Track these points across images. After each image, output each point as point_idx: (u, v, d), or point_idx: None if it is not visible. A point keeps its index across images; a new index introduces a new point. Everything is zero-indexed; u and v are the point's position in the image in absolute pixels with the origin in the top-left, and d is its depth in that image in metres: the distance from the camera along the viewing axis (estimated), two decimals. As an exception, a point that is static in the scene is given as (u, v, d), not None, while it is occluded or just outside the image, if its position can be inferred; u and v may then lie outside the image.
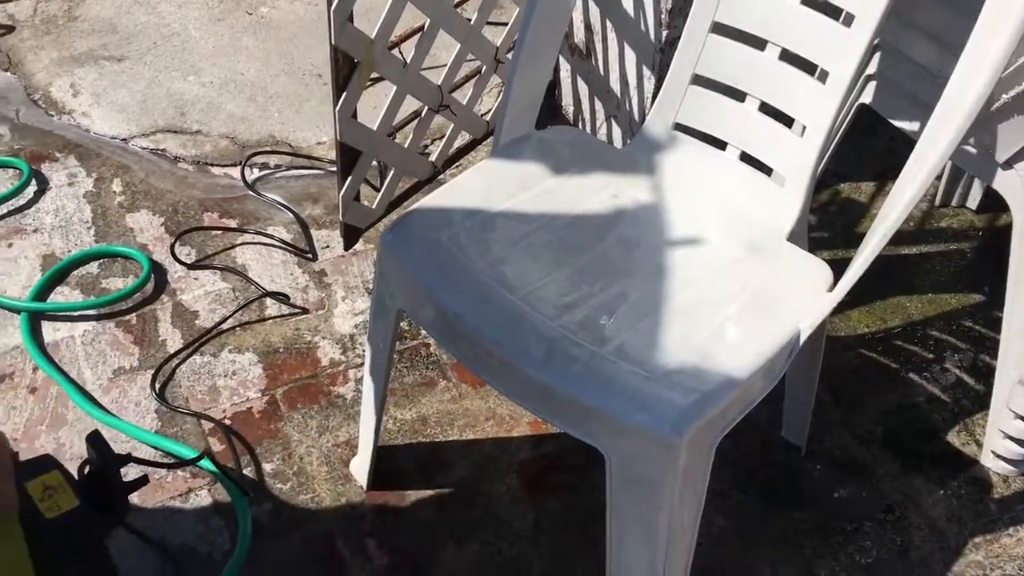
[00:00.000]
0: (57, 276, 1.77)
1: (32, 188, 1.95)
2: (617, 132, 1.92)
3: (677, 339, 1.10)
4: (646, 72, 1.77)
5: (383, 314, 1.26)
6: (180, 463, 1.48)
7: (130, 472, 1.25)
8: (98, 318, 1.73)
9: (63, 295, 1.76)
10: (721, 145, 1.33)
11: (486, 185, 1.28)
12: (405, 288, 1.19)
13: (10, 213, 1.90)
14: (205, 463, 1.47)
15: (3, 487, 0.93)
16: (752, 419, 1.60)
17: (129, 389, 1.62)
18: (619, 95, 1.88)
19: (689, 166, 1.33)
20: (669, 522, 1.06)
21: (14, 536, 0.92)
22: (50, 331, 1.70)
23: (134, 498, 1.46)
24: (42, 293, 1.75)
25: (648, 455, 1.02)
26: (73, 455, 1.52)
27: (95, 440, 1.05)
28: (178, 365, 1.66)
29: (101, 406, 1.58)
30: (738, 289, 1.18)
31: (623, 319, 1.12)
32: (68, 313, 1.72)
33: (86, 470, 1.10)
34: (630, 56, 1.80)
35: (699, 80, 1.32)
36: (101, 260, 1.82)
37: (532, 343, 1.08)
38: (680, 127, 1.35)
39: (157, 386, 1.62)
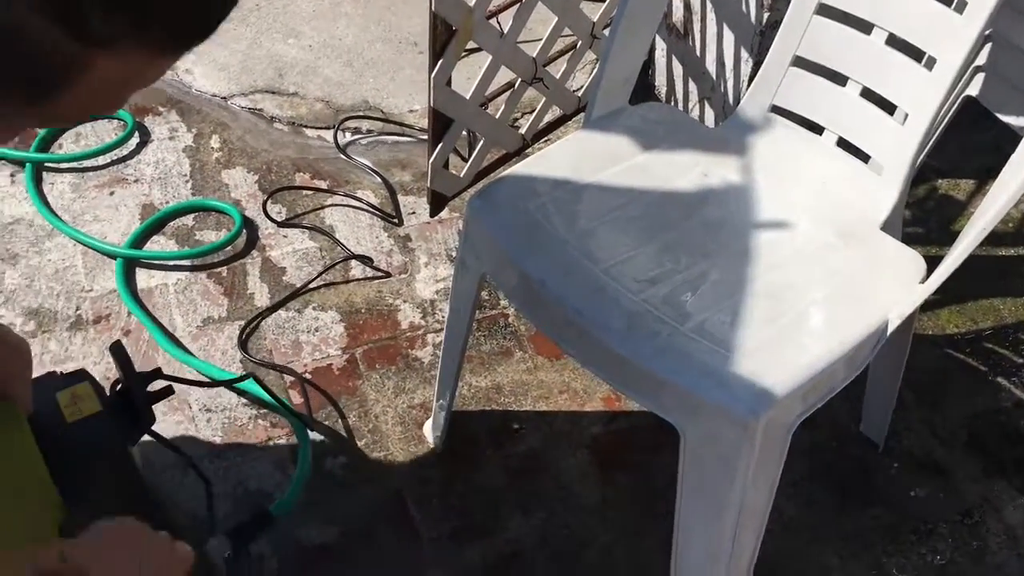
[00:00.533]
0: (155, 225, 1.84)
1: (135, 140, 2.01)
2: (710, 114, 1.90)
3: (760, 321, 1.09)
4: (744, 54, 1.74)
5: (466, 278, 1.27)
6: (220, 383, 1.52)
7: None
8: (191, 268, 1.78)
9: (159, 244, 1.82)
10: (818, 129, 1.30)
11: (576, 157, 1.28)
12: (490, 253, 1.20)
13: (113, 163, 1.97)
14: (250, 385, 1.53)
15: (17, 390, 0.99)
16: (830, 411, 1.58)
17: (216, 338, 1.67)
18: (714, 77, 1.85)
19: (783, 149, 1.31)
20: (740, 503, 1.06)
21: (22, 427, 0.96)
22: (145, 278, 1.76)
23: (214, 439, 1.52)
24: (139, 241, 1.81)
25: (724, 434, 1.02)
26: (161, 397, 1.58)
27: (116, 350, 1.07)
28: (264, 318, 1.71)
29: (189, 352, 1.64)
30: (826, 275, 1.16)
31: (706, 298, 1.11)
32: (163, 262, 1.78)
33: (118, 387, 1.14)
34: (728, 37, 1.78)
35: (800, 62, 1.30)
36: (196, 213, 1.88)
37: (613, 315, 1.08)
38: (777, 109, 1.33)
39: (243, 337, 1.67)
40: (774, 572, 1.38)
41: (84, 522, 0.83)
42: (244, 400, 1.58)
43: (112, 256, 1.77)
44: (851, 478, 1.52)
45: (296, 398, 1.59)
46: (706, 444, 1.04)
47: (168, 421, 1.54)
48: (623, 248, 1.16)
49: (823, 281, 1.15)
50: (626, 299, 1.10)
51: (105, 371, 1.60)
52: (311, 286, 1.76)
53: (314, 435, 1.54)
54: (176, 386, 1.56)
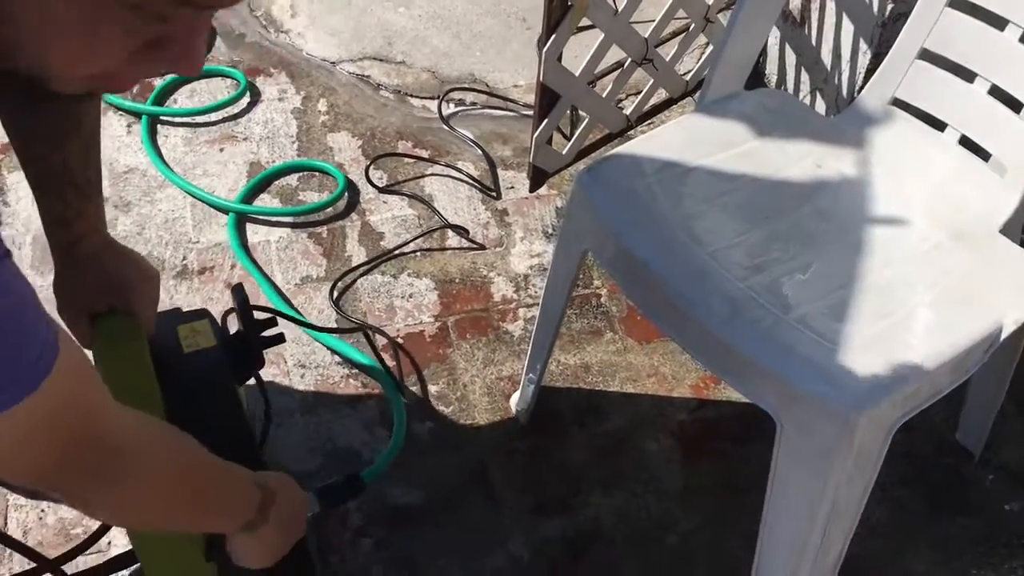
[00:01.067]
0: (262, 183, 1.88)
1: (246, 99, 2.06)
2: (820, 105, 1.86)
3: (866, 317, 1.07)
4: (862, 46, 1.70)
5: (568, 253, 1.27)
6: (333, 330, 1.58)
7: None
8: (292, 226, 1.82)
9: (263, 202, 1.87)
10: (939, 126, 1.26)
11: (687, 139, 1.27)
12: (594, 230, 1.20)
13: (224, 120, 2.02)
14: (345, 347, 1.56)
15: (143, 311, 1.07)
16: (927, 416, 1.54)
17: (314, 297, 1.71)
18: (828, 67, 1.81)
19: (901, 144, 1.28)
20: (833, 501, 1.04)
21: (142, 342, 1.03)
22: (249, 233, 1.81)
23: (306, 394, 1.55)
24: (247, 197, 1.86)
25: (823, 428, 1.00)
26: (258, 350, 1.62)
27: (237, 292, 1.11)
28: (360, 280, 1.74)
29: (292, 304, 1.68)
30: (938, 275, 1.13)
31: (812, 289, 1.10)
32: (268, 218, 1.83)
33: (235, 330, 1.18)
34: (847, 28, 1.73)
35: (926, 55, 1.26)
36: (301, 174, 1.92)
37: (716, 299, 1.07)
38: (898, 103, 1.29)
39: (334, 294, 1.71)
40: (858, 573, 1.35)
41: None
42: (337, 359, 1.61)
43: (223, 210, 1.82)
44: (943, 486, 1.49)
45: (388, 361, 1.62)
46: (804, 437, 1.02)
47: (264, 373, 1.58)
48: (729, 233, 1.15)
49: (935, 281, 1.12)
50: (730, 284, 1.09)
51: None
52: (406, 250, 1.79)
53: (403, 400, 1.56)
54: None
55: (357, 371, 1.60)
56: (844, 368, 1.01)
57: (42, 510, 1.39)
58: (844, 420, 0.98)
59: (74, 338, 0.69)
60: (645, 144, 1.26)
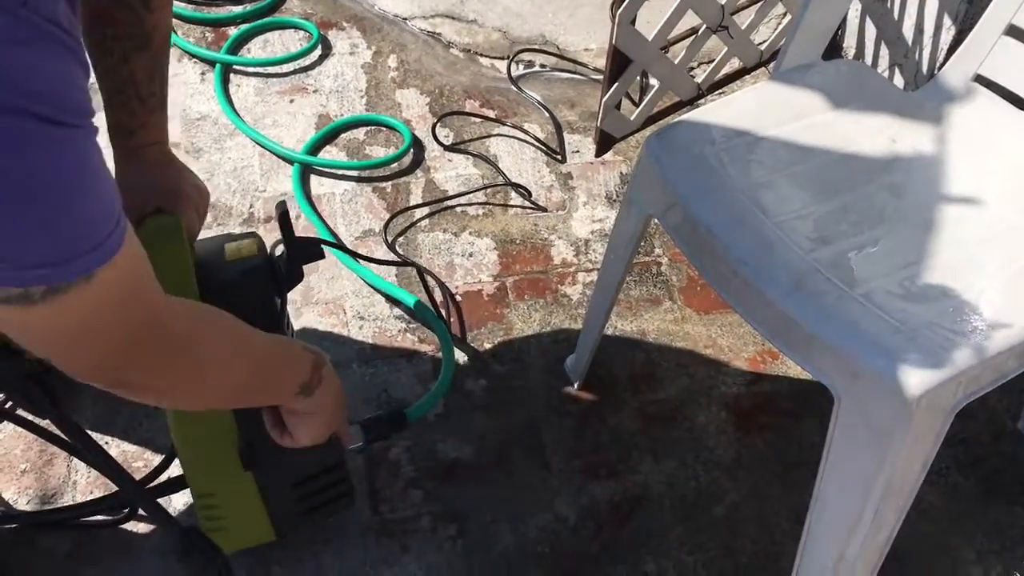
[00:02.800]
0: (330, 135, 1.90)
1: (317, 52, 2.07)
2: (899, 81, 1.81)
3: (932, 295, 1.05)
4: (946, 21, 1.65)
5: (632, 217, 1.27)
6: (384, 261, 1.62)
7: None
8: (358, 180, 1.84)
9: (330, 154, 1.88)
10: (1023, 104, 1.23)
11: (759, 107, 1.25)
12: (660, 194, 1.19)
13: (296, 72, 2.04)
14: (398, 292, 1.61)
15: (187, 212, 1.14)
16: (988, 403, 1.52)
17: (375, 250, 1.72)
18: (909, 42, 1.76)
19: (982, 122, 1.25)
20: (889, 480, 1.03)
21: (182, 240, 1.08)
22: (315, 185, 1.83)
23: (364, 345, 1.57)
24: (314, 149, 1.88)
25: (883, 405, 0.99)
26: (319, 299, 1.65)
27: (281, 209, 1.14)
28: (421, 236, 1.75)
29: (354, 254, 1.70)
30: (1009, 258, 1.10)
31: (879, 265, 1.08)
32: (333, 171, 1.85)
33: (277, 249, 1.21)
34: (932, 3, 1.69)
35: (1013, 32, 1.22)
36: (368, 128, 1.93)
37: (780, 270, 1.06)
38: (981, 80, 1.26)
39: (386, 233, 1.74)
40: (907, 556, 1.34)
41: None
42: (396, 312, 1.63)
43: (289, 161, 1.85)
44: (1001, 474, 1.46)
45: (445, 317, 1.63)
46: (862, 413, 1.01)
47: (323, 323, 1.61)
48: (797, 204, 1.13)
49: (1006, 264, 1.09)
50: (795, 256, 1.07)
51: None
52: (468, 210, 1.79)
53: (458, 355, 1.58)
54: (333, 291, 1.64)
55: (415, 325, 1.61)
56: (907, 346, 0.99)
57: (105, 442, 1.44)
58: (904, 399, 0.97)
59: None
60: (716, 111, 1.24)
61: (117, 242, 0.66)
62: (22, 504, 1.37)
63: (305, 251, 1.15)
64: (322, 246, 1.18)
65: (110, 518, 1.34)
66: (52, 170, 0.59)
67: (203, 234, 1.21)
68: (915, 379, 0.97)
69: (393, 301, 1.64)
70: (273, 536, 1.25)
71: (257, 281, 1.12)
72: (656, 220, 1.22)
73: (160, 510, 1.06)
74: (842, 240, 1.10)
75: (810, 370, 1.05)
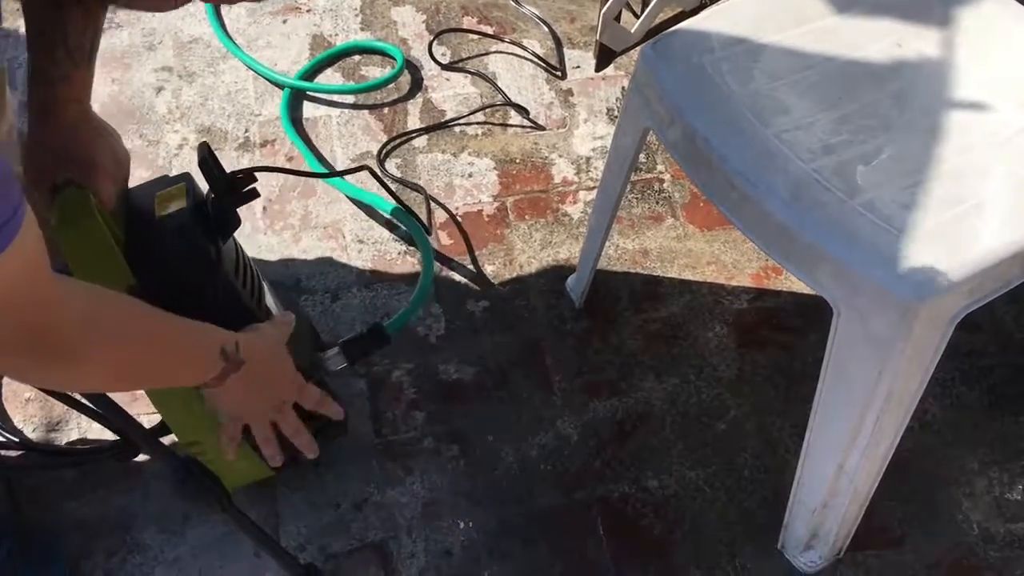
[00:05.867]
0: (322, 63, 1.85)
1: (310, -30, 2.02)
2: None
3: (936, 203, 1.02)
4: (957, -80, 1.58)
5: (629, 131, 1.24)
6: (333, 173, 1.57)
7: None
8: (354, 106, 1.81)
9: (326, 76, 1.85)
10: (1034, 5, 1.18)
11: (760, 13, 1.20)
12: (657, 106, 1.16)
13: (288, -9, 1.99)
14: (362, 193, 1.56)
15: (101, 185, 1.06)
16: (995, 314, 1.50)
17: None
18: (919, -55, 1.70)
19: (992, 25, 1.20)
20: (889, 390, 1.02)
21: (91, 214, 1.02)
22: (311, 108, 1.80)
23: (363, 269, 1.56)
24: (308, 74, 1.84)
25: (882, 315, 0.97)
26: (318, 223, 1.63)
27: (201, 148, 1.08)
28: (420, 157, 1.72)
29: (347, 182, 1.68)
30: (1017, 163, 1.07)
31: (880, 173, 1.05)
32: (328, 96, 1.81)
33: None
34: (942, -99, 1.62)
35: (1025, -73, 1.17)
36: (364, 52, 1.89)
37: (779, 181, 1.03)
38: (990, -21, 1.21)
39: (381, 156, 1.71)
40: (909, 466, 1.34)
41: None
42: (395, 235, 1.61)
43: (279, 86, 1.81)
44: (1007, 385, 1.45)
45: (445, 239, 1.62)
46: (861, 324, 1.00)
47: (322, 248, 1.60)
48: (798, 114, 1.10)
49: (1013, 170, 1.06)
50: (795, 166, 1.05)
51: (268, 191, 1.66)
52: (467, 130, 1.76)
53: (459, 277, 1.57)
54: (331, 215, 1.62)
55: (414, 248, 1.60)
56: (908, 255, 0.97)
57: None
58: (904, 308, 0.95)
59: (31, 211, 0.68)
60: (715, 18, 1.20)
61: (9, 235, 0.62)
62: (28, 432, 1.38)
63: (235, 195, 1.09)
64: (255, 187, 1.10)
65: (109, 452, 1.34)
66: None
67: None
68: (914, 288, 0.95)
69: (365, 208, 1.63)
70: (270, 472, 1.25)
71: (186, 236, 1.06)
72: (654, 134, 1.19)
73: (155, 442, 1.07)
74: (845, 149, 1.07)
75: (809, 282, 1.03)
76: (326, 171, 1.63)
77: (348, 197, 1.65)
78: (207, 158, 1.07)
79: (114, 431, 1.28)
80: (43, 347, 0.73)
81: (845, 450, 1.11)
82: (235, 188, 1.10)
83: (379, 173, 1.60)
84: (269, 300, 1.22)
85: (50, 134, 1.06)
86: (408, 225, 1.58)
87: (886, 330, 0.98)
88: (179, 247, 1.06)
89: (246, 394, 1.03)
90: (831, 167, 1.05)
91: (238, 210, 1.11)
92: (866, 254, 0.97)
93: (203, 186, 1.13)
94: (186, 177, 1.13)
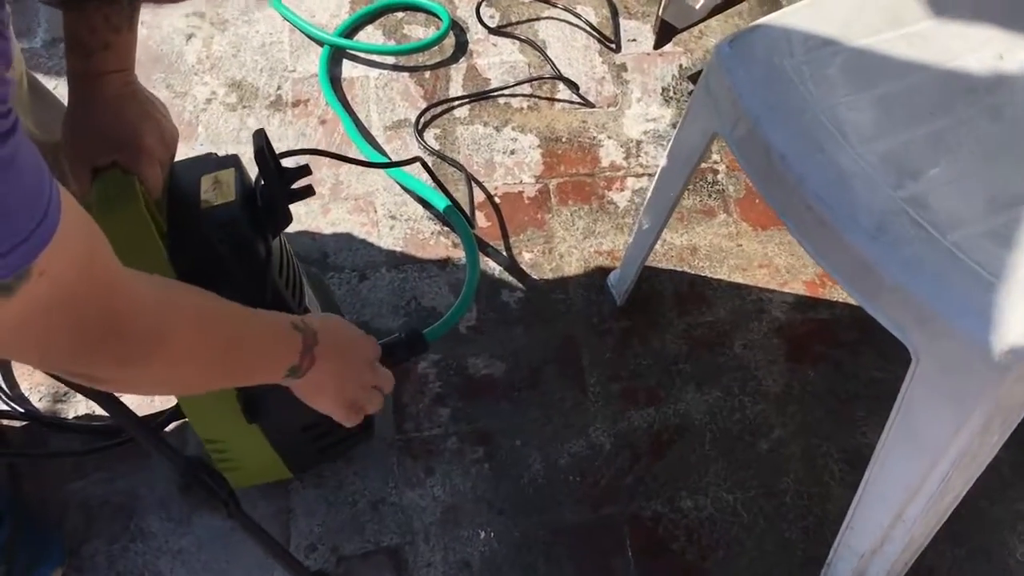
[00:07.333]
0: (365, 17, 1.75)
1: (355, -85, 1.90)
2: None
3: (1036, 245, 0.92)
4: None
5: (695, 131, 1.13)
6: (384, 164, 1.46)
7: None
8: (395, 67, 1.70)
9: (366, 34, 1.74)
10: None
11: (850, 12, 1.09)
12: (729, 111, 1.05)
13: (331, -63, 1.87)
14: (409, 180, 1.47)
15: (148, 171, 0.96)
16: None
17: (410, 142, 1.60)
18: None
19: (1107, 39, 1.08)
20: (965, 446, 0.93)
21: (137, 202, 0.92)
22: (348, 68, 1.70)
23: (394, 248, 1.47)
24: (349, 31, 1.73)
25: (969, 369, 0.87)
26: (349, 195, 1.54)
27: (257, 137, 0.98)
28: (460, 130, 1.62)
29: (383, 151, 1.58)
30: None
31: (976, 206, 0.94)
32: (368, 55, 1.71)
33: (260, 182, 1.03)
34: None
35: None
36: (408, 9, 1.77)
37: (862, 210, 0.93)
38: (1110, -12, 1.09)
39: (419, 126, 1.61)
40: (962, 504, 1.25)
41: None
42: (430, 213, 1.52)
43: (319, 42, 1.71)
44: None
45: (482, 221, 1.52)
46: (944, 376, 0.90)
47: (352, 221, 1.51)
48: (887, 130, 0.99)
49: (1125, 211, 0.95)
50: (881, 193, 0.94)
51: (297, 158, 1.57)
52: (512, 103, 1.65)
53: (493, 265, 1.48)
54: (363, 186, 1.53)
55: (448, 229, 1.51)
56: (1002, 304, 0.87)
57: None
58: (996, 366, 0.85)
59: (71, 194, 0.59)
60: (799, 13, 1.08)
61: (43, 238, 0.54)
62: (34, 400, 1.32)
63: (290, 192, 0.99)
64: (311, 183, 1.01)
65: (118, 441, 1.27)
66: None
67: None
68: (1009, 343, 0.85)
69: (422, 202, 1.53)
70: (289, 474, 1.18)
71: (235, 231, 0.96)
72: (722, 139, 1.09)
73: (160, 441, 0.99)
74: (934, 173, 0.97)
75: (887, 324, 0.93)
76: (381, 161, 1.51)
77: (398, 183, 1.56)
78: (264, 148, 0.96)
79: (114, 428, 1.21)
80: (125, 336, 0.65)
81: (906, 500, 1.02)
82: (290, 182, 1.00)
83: (432, 170, 1.49)
84: (309, 296, 1.13)
85: (91, 111, 0.95)
86: (457, 226, 1.48)
87: (972, 386, 0.89)
88: (227, 243, 0.95)
89: (340, 367, 0.92)
90: (921, 196, 0.94)
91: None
92: (957, 301, 0.87)
93: (251, 169, 1.03)
94: (234, 160, 1.02)
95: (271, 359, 0.84)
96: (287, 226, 1.01)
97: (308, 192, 1.01)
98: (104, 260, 0.63)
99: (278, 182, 0.98)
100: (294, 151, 1.09)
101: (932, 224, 0.92)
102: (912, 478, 0.99)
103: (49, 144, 1.01)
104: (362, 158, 1.52)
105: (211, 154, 1.06)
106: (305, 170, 1.02)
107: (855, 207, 0.94)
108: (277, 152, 1.02)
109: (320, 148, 1.57)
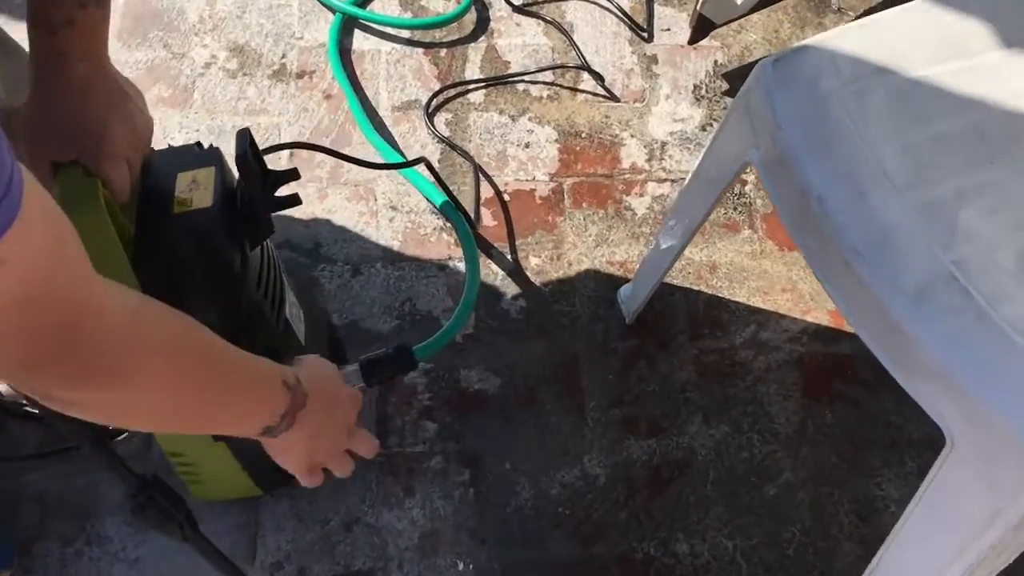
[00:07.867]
0: (381, -19, 1.64)
1: None
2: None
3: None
4: None
5: (724, 158, 1.03)
6: (387, 166, 1.36)
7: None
8: (409, 42, 1.59)
9: (381, 4, 1.62)
10: None
11: (908, 37, 0.97)
12: (766, 139, 0.94)
13: None
14: (413, 176, 1.39)
15: (114, 174, 0.83)
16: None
17: (419, 127, 1.50)
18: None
19: None
20: (997, 539, 0.83)
21: (98, 210, 0.81)
22: (359, 39, 1.59)
23: (392, 242, 1.38)
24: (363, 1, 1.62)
25: (1012, 463, 0.78)
26: (348, 180, 1.44)
27: (241, 138, 0.88)
28: (474, 116, 1.51)
29: (389, 135, 1.48)
30: None
31: (1034, 274, 0.84)
32: (382, 27, 1.59)
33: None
34: None
35: None
36: (428, -25, 1.66)
37: (905, 271, 0.83)
38: None
39: (429, 110, 1.50)
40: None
41: None
42: (433, 208, 1.42)
43: (331, 9, 1.59)
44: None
45: (488, 219, 1.42)
46: (981, 464, 0.80)
47: (350, 210, 1.41)
48: (941, 176, 0.88)
49: None
50: (929, 253, 0.83)
51: (298, 133, 1.47)
52: (531, 90, 1.54)
53: (497, 269, 1.38)
54: (365, 172, 1.42)
55: (451, 226, 1.40)
56: (1055, 394, 0.77)
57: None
58: (1041, 466, 0.76)
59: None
60: (852, 35, 0.97)
61: (3, 218, 0.45)
62: (-3, 382, 1.24)
63: (274, 199, 0.90)
64: (297, 193, 0.90)
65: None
66: None
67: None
68: (1060, 443, 0.75)
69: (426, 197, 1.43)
70: (259, 491, 1.10)
71: (207, 244, 0.86)
72: (754, 167, 0.98)
73: (111, 456, 0.90)
74: (989, 232, 0.86)
75: (922, 402, 0.83)
76: (382, 162, 1.39)
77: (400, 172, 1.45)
78: (247, 151, 0.86)
79: (61, 429, 1.12)
80: (81, 355, 0.56)
81: (921, 586, 0.93)
82: (274, 187, 0.90)
83: (437, 171, 1.38)
84: (292, 303, 1.03)
85: (54, 98, 0.82)
86: (456, 225, 1.38)
87: (1007, 480, 0.79)
88: (199, 256, 0.86)
89: (318, 431, 0.82)
90: (974, 259, 0.84)
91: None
92: (1006, 389, 0.77)
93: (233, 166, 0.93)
94: (216, 155, 0.91)
95: (248, 415, 0.74)
96: (268, 237, 0.91)
97: (294, 201, 0.91)
98: (74, 261, 0.54)
99: (261, 190, 0.88)
100: (283, 145, 0.99)
101: (983, 294, 0.82)
102: (932, 565, 0.90)
103: (16, 109, 0.90)
104: (362, 149, 1.42)
105: (194, 145, 0.96)
106: (293, 174, 0.92)
107: (897, 267, 0.83)
108: (269, 144, 0.92)
109: (322, 125, 1.48)
